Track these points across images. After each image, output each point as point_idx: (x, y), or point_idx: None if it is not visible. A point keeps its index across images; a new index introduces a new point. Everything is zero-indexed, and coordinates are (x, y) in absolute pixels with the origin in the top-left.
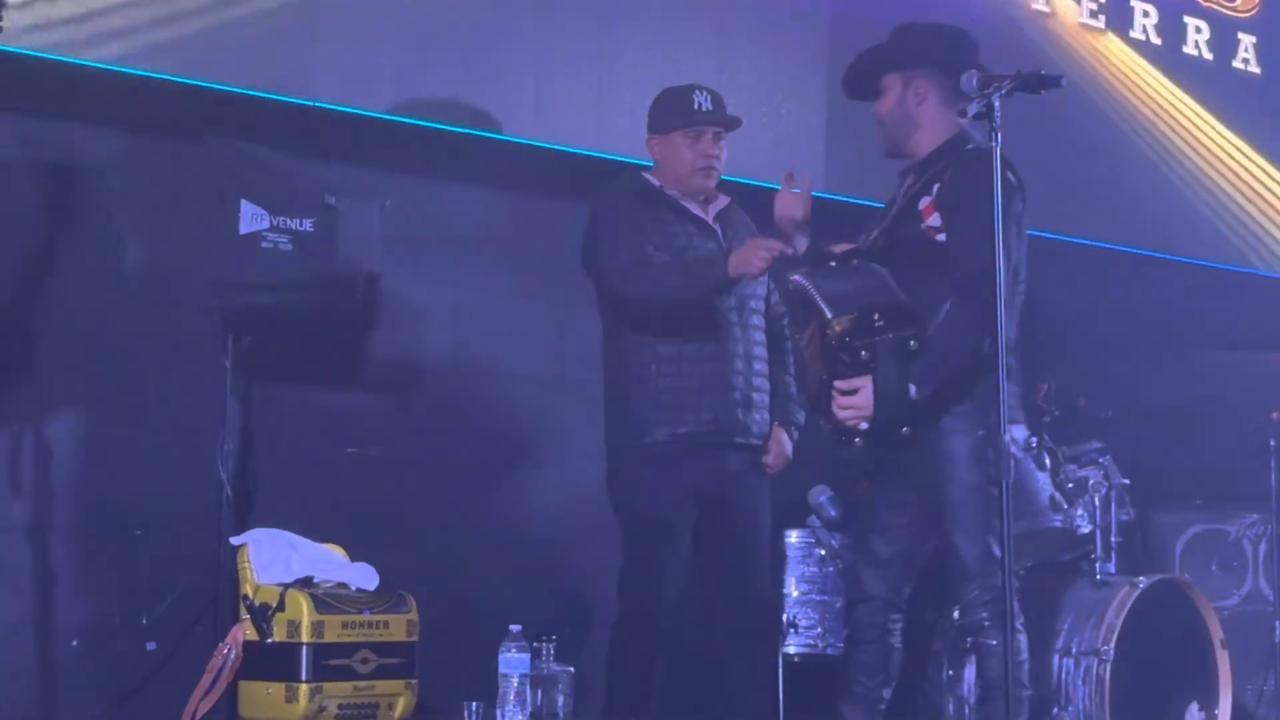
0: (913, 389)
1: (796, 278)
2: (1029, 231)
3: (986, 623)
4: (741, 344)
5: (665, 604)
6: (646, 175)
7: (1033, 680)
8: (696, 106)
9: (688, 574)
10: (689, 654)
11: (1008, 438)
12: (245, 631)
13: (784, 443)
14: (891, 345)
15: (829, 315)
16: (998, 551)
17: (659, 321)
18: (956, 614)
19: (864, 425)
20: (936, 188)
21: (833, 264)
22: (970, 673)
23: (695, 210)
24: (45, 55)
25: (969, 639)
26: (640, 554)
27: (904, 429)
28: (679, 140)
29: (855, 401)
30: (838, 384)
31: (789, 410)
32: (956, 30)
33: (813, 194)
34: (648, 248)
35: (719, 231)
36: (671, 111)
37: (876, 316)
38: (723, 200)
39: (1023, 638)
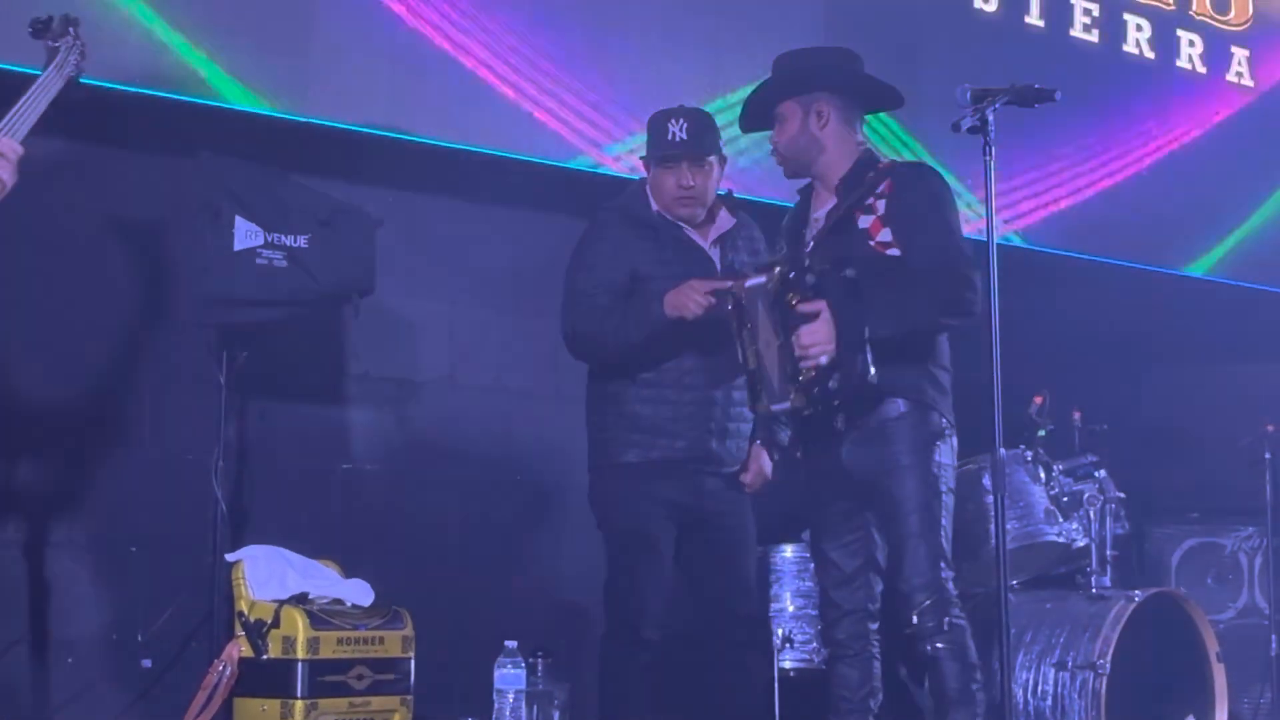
0: (867, 329)
1: (744, 282)
2: (1018, 244)
3: (942, 630)
4: (730, 372)
5: (649, 616)
6: (647, 191)
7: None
8: (670, 136)
9: (677, 588)
10: (682, 668)
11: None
12: (240, 648)
13: (764, 462)
14: (832, 278)
15: (764, 279)
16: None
17: (615, 359)
18: (914, 619)
19: (824, 360)
20: (883, 205)
21: (777, 269)
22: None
23: (692, 235)
24: (39, 72)
25: (927, 646)
26: (622, 567)
27: (871, 371)
28: (658, 169)
29: (816, 334)
30: (800, 311)
31: (772, 430)
32: (841, 50)
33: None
34: (599, 295)
35: (715, 257)
36: (651, 141)
37: (806, 261)
38: (728, 222)
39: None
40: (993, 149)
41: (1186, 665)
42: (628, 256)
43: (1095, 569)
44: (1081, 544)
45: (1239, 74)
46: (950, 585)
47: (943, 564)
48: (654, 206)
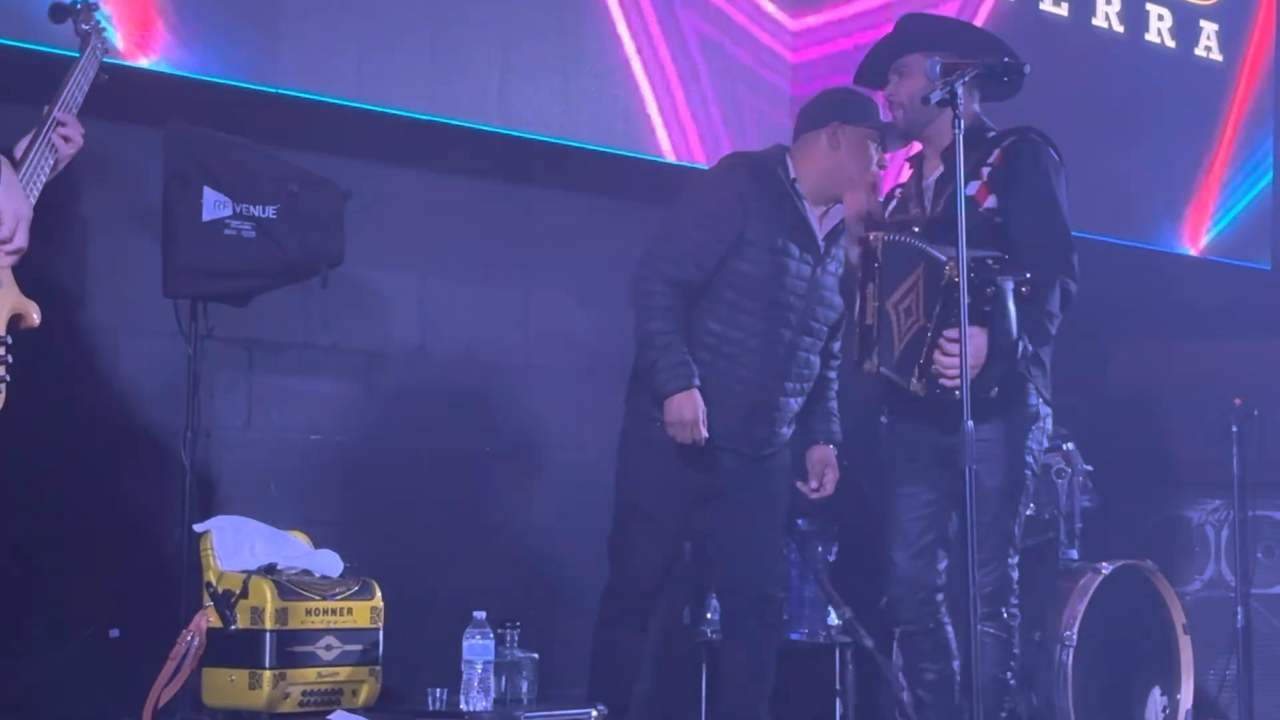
0: (1024, 343)
1: (887, 236)
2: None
3: (998, 616)
4: (785, 363)
5: (645, 590)
6: (788, 159)
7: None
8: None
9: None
10: (682, 638)
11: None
12: (208, 619)
13: (831, 459)
14: (1011, 289)
15: (943, 259)
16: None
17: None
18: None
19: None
20: (987, 172)
21: (915, 229)
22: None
23: (811, 219)
24: (8, 42)
25: (978, 627)
26: (624, 540)
27: (994, 389)
28: (865, 137)
29: (978, 353)
30: (948, 333)
31: (830, 428)
32: (965, 21)
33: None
34: (688, 266)
35: (822, 247)
36: (868, 108)
37: (991, 260)
38: (836, 215)
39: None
40: (962, 122)
41: (1153, 637)
42: (742, 218)
43: (1063, 541)
44: (1049, 516)
45: (1207, 48)
46: (1014, 573)
47: (1011, 550)
48: (791, 174)
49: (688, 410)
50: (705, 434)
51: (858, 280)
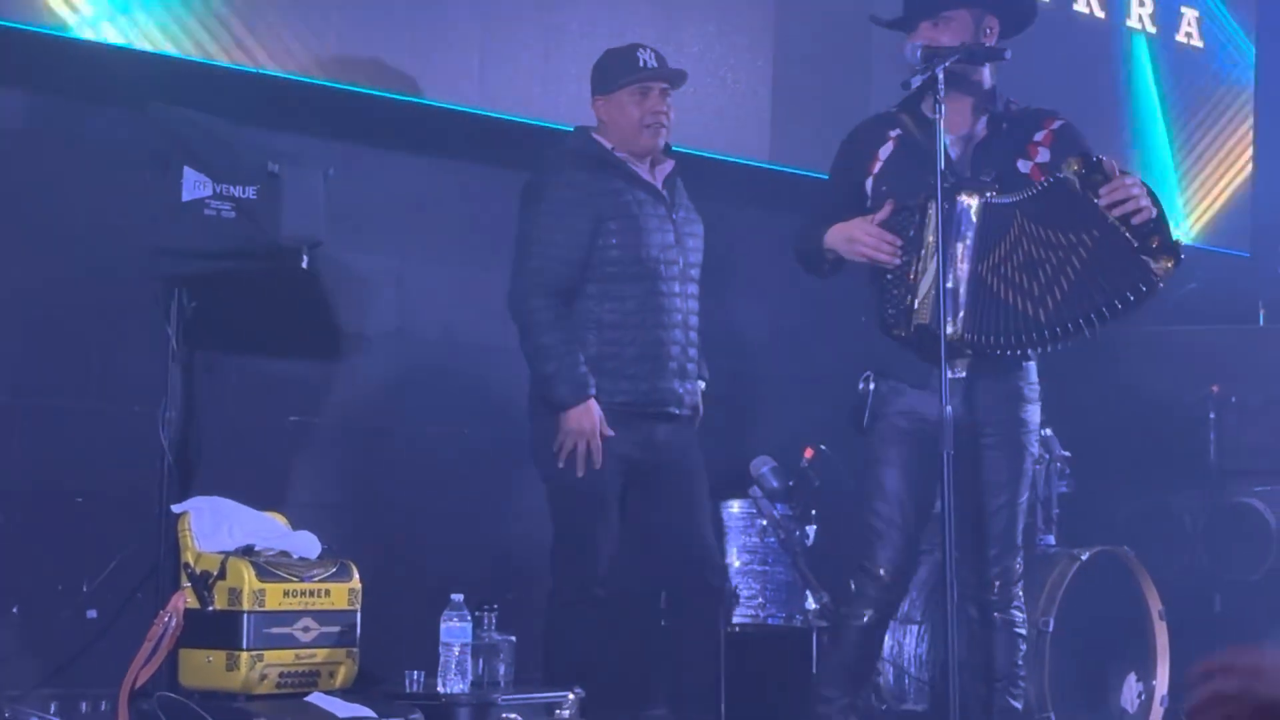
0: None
1: (986, 196)
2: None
3: (1013, 602)
4: (680, 313)
5: (597, 574)
6: (595, 135)
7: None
8: (642, 64)
9: (629, 542)
10: (633, 622)
11: None
12: (186, 599)
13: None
14: None
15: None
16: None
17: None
18: (996, 586)
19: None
20: (1047, 153)
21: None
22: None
23: (645, 175)
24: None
25: (996, 614)
26: (570, 525)
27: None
28: (625, 98)
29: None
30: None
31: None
32: None
33: (757, 164)
34: (561, 271)
35: (667, 197)
36: (617, 70)
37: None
38: (668, 164)
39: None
40: (942, 107)
41: (1130, 624)
42: (588, 202)
43: (1040, 528)
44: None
45: (1188, 34)
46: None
47: (1021, 534)
48: (607, 145)
49: (586, 421)
50: (608, 434)
51: (909, 240)
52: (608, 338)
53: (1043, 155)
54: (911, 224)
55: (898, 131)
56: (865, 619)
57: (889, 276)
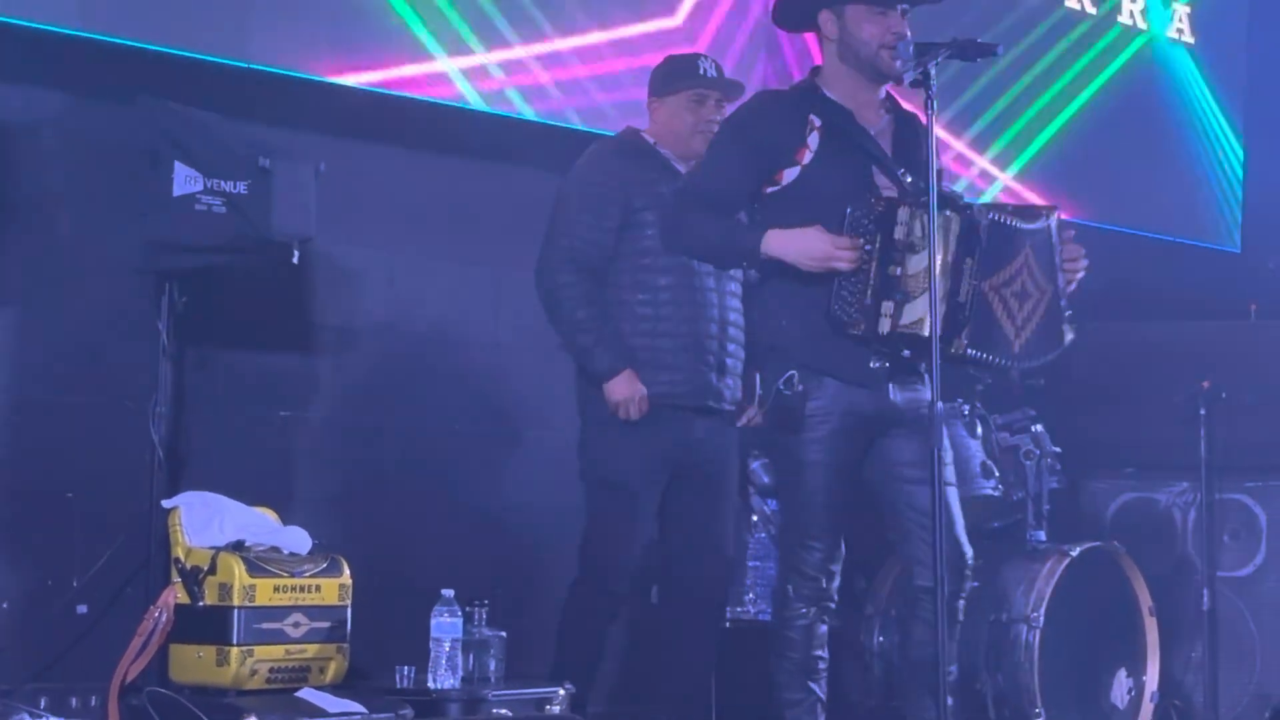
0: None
1: (992, 215)
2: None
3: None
4: (717, 309)
5: (625, 572)
6: (643, 133)
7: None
8: (702, 72)
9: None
10: (645, 619)
11: None
12: (176, 595)
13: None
14: None
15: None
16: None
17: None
18: (968, 575)
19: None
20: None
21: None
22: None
23: (681, 169)
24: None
25: (959, 602)
26: (604, 522)
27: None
28: (682, 104)
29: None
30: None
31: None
32: None
33: None
34: (588, 250)
35: None
36: (677, 75)
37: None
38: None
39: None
40: (935, 103)
41: (1119, 619)
42: (622, 188)
43: (1031, 523)
44: (1017, 498)
45: (1180, 30)
46: None
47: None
48: (650, 141)
49: (625, 390)
50: (645, 395)
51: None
52: (642, 329)
53: (947, 180)
54: (873, 226)
55: (819, 120)
56: (808, 617)
57: (845, 276)
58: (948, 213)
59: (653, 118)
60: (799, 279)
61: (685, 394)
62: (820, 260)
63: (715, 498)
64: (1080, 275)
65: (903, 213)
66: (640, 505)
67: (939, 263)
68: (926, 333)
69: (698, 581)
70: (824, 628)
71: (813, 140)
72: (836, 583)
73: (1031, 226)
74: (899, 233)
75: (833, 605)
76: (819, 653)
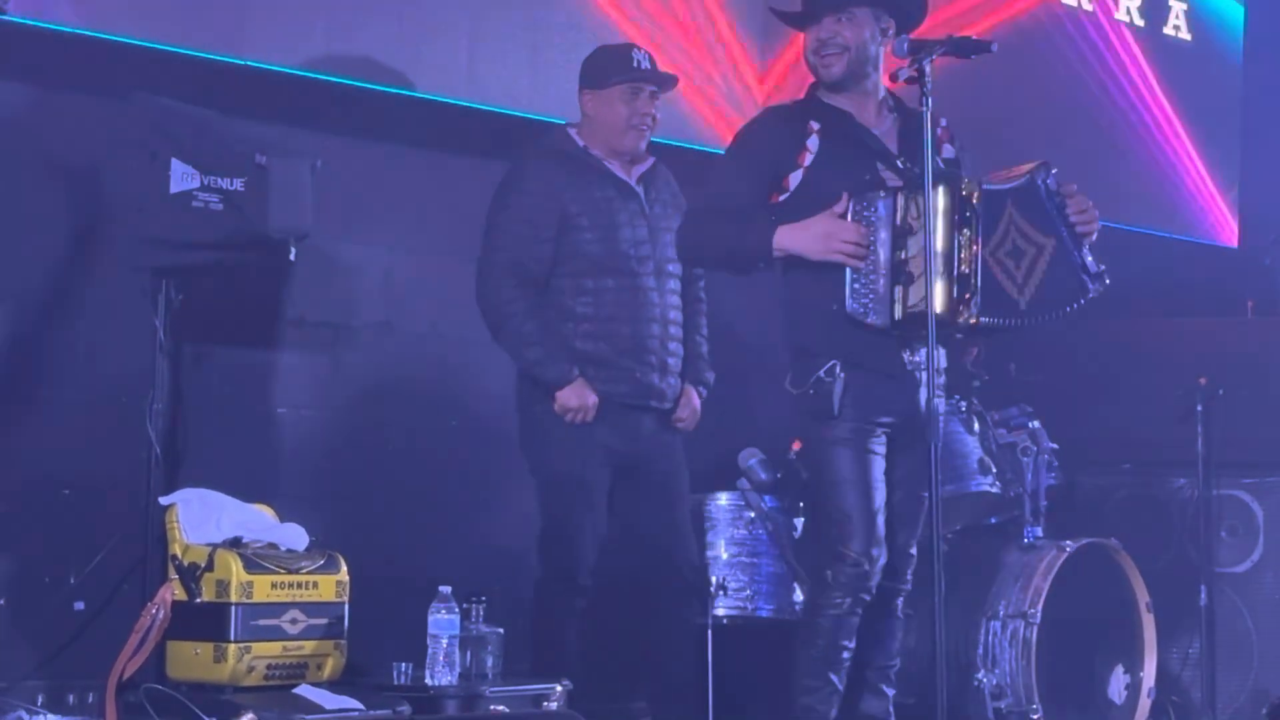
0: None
1: (983, 184)
2: None
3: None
4: (658, 308)
5: (584, 563)
6: (571, 132)
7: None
8: (635, 64)
9: (610, 536)
10: (614, 616)
11: None
12: (173, 591)
13: (694, 401)
14: None
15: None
16: None
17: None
18: (908, 578)
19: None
20: (945, 122)
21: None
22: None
23: (618, 172)
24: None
25: (900, 602)
26: (558, 515)
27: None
28: (615, 96)
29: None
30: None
31: (699, 369)
32: None
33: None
34: (527, 262)
35: (641, 193)
36: (610, 67)
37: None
38: (648, 160)
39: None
40: (930, 100)
41: (1117, 615)
42: (556, 196)
43: (1028, 519)
44: (1014, 494)
45: (1176, 27)
46: None
47: None
48: (580, 144)
49: (575, 398)
50: (596, 402)
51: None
52: (584, 330)
53: (949, 151)
54: (875, 213)
55: (818, 123)
56: (843, 606)
57: (856, 270)
58: (940, 189)
59: (584, 110)
60: (815, 275)
61: (628, 393)
62: (824, 239)
63: (674, 496)
64: (1094, 225)
65: (900, 198)
66: (592, 496)
67: (939, 241)
68: (935, 309)
69: (667, 581)
70: (855, 620)
71: (812, 143)
72: (878, 574)
73: (1009, 186)
74: (897, 217)
75: (868, 598)
76: (846, 642)
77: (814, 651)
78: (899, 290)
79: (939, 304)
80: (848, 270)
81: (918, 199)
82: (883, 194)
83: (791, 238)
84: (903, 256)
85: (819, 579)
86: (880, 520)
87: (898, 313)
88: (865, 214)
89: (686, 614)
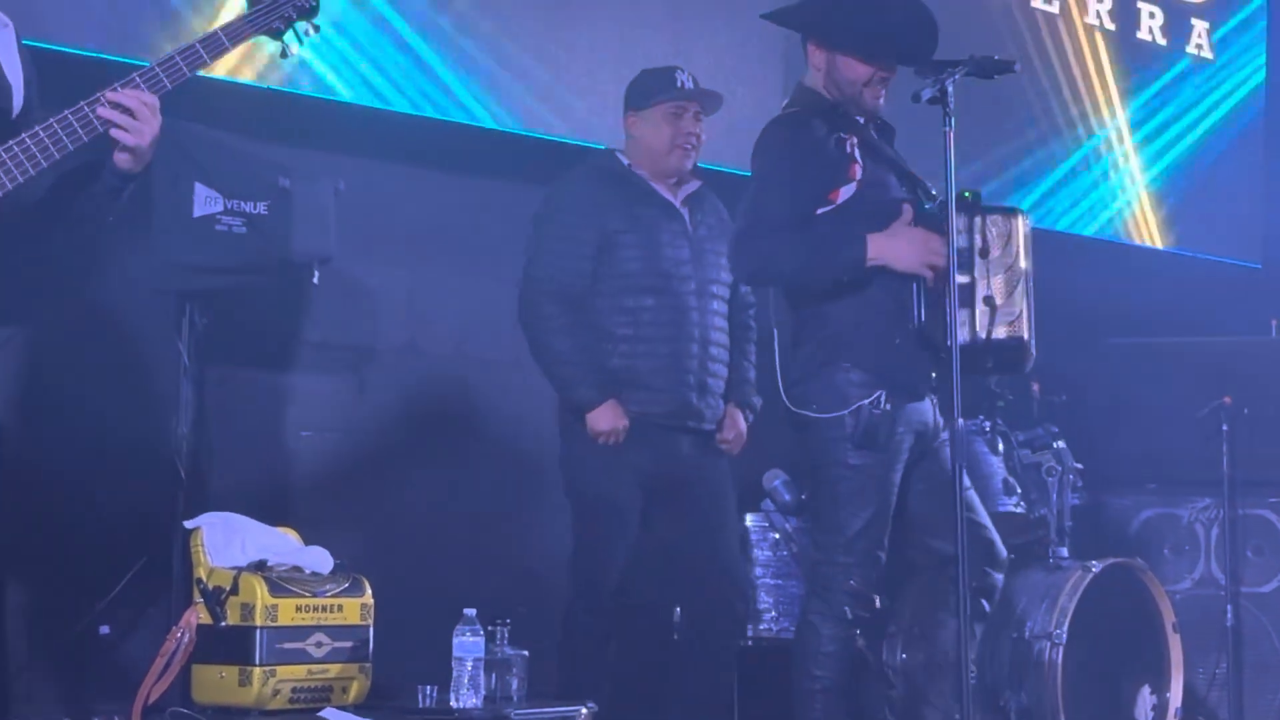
0: None
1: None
2: None
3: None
4: (698, 328)
5: (613, 585)
6: (619, 154)
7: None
8: (679, 84)
9: (648, 558)
10: (646, 639)
11: None
12: (198, 615)
13: (740, 424)
14: None
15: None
16: None
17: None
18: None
19: None
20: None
21: None
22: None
23: (663, 193)
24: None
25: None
26: (587, 537)
27: None
28: (659, 116)
29: None
30: None
31: (745, 393)
32: None
33: None
34: (567, 279)
35: (685, 215)
36: (653, 87)
37: None
38: (694, 183)
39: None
40: (952, 119)
41: (1143, 635)
42: (598, 212)
43: (1053, 539)
44: (1039, 514)
45: (1199, 45)
46: None
47: None
48: (625, 163)
49: (607, 421)
50: (627, 426)
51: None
52: (622, 350)
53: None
54: (956, 230)
55: (855, 137)
56: (858, 641)
57: (932, 287)
58: (1022, 216)
59: (630, 132)
60: (886, 289)
61: (664, 414)
62: (921, 250)
63: (716, 520)
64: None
65: (979, 218)
66: (623, 518)
67: (1023, 263)
68: (1025, 335)
69: (711, 605)
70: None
71: (859, 156)
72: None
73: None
74: (962, 240)
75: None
76: (852, 664)
77: (827, 653)
78: (963, 314)
79: (1024, 332)
80: (916, 287)
81: (993, 221)
82: (962, 212)
83: (884, 247)
84: (967, 280)
85: (838, 615)
86: (883, 557)
87: (970, 335)
88: (941, 229)
89: (728, 637)
